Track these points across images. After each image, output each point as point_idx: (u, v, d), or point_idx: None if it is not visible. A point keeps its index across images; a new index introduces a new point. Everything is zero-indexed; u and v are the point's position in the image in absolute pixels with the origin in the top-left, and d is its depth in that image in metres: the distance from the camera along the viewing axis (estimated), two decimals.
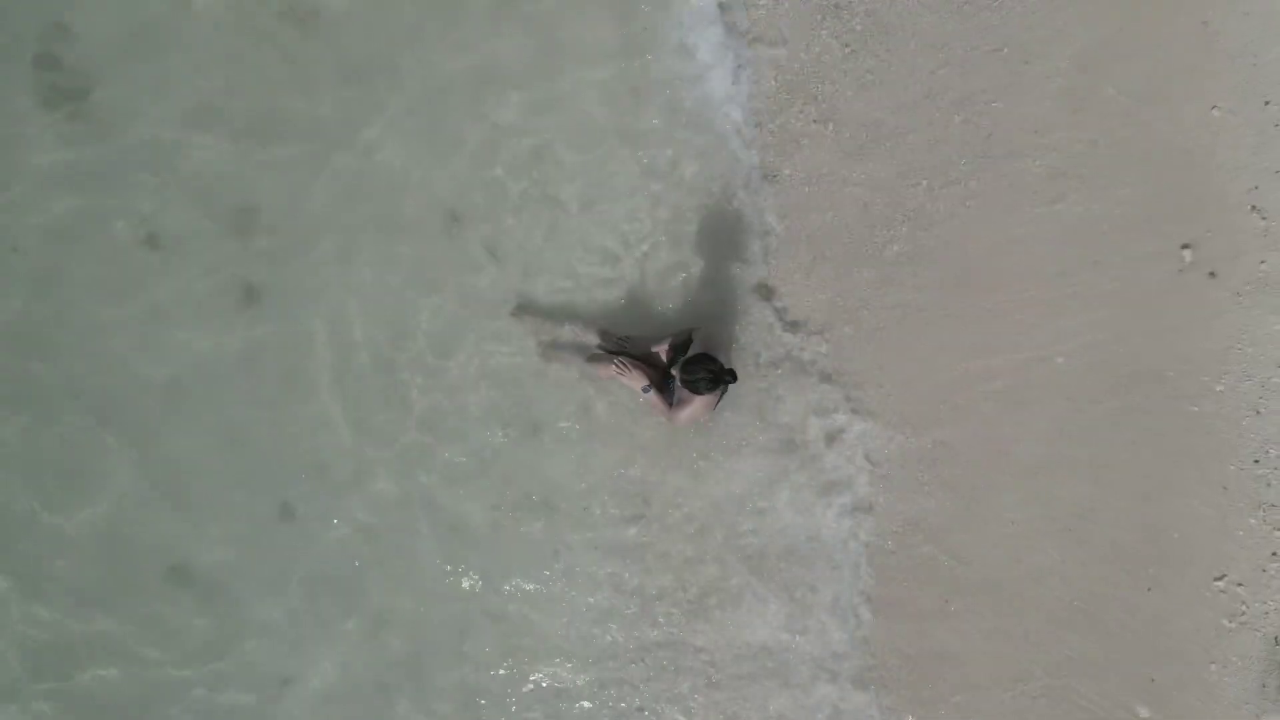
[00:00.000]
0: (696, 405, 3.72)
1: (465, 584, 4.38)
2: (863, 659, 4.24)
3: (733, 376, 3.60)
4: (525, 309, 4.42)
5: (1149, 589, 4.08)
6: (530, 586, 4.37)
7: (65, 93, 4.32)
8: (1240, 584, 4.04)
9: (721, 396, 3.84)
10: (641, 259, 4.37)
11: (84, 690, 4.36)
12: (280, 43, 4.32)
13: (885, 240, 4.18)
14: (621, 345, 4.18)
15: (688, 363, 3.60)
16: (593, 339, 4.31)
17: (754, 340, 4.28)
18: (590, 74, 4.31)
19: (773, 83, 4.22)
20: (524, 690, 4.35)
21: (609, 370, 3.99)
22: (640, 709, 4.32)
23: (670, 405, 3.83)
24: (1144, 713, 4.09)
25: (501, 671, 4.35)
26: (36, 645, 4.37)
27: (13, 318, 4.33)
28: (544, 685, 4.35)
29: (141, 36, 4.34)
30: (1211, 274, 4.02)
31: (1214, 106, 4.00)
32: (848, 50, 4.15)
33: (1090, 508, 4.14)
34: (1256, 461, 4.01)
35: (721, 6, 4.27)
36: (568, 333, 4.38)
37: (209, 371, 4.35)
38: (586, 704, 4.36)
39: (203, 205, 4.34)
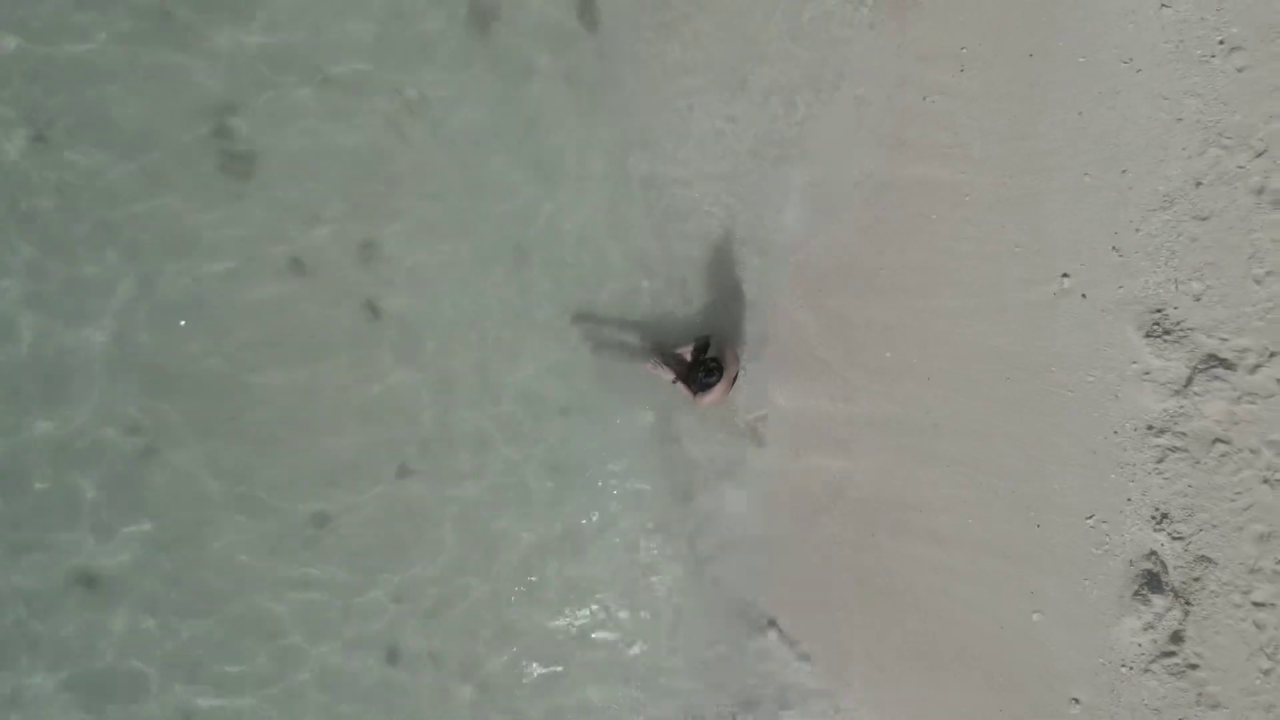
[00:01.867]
0: (714, 391, 4.62)
1: None
2: None
3: (717, 364, 4.40)
4: (582, 319, 5.28)
5: (1038, 525, 5.00)
6: None
7: (235, 156, 5.31)
8: (1105, 522, 4.87)
9: (734, 383, 4.80)
10: (671, 285, 5.35)
11: None
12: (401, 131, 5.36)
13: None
14: (656, 346, 5.03)
15: (693, 367, 4.43)
16: (633, 342, 5.16)
17: None
18: None
19: None
20: None
21: (646, 366, 4.91)
22: None
23: (695, 393, 4.67)
24: (1036, 618, 4.97)
25: None
26: None
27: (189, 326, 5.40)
28: None
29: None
30: (1083, 295, 4.90)
31: (1085, 174, 4.88)
32: None
33: (997, 466, 5.06)
34: (1116, 433, 4.88)
35: None
36: (614, 337, 5.20)
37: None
38: None
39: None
